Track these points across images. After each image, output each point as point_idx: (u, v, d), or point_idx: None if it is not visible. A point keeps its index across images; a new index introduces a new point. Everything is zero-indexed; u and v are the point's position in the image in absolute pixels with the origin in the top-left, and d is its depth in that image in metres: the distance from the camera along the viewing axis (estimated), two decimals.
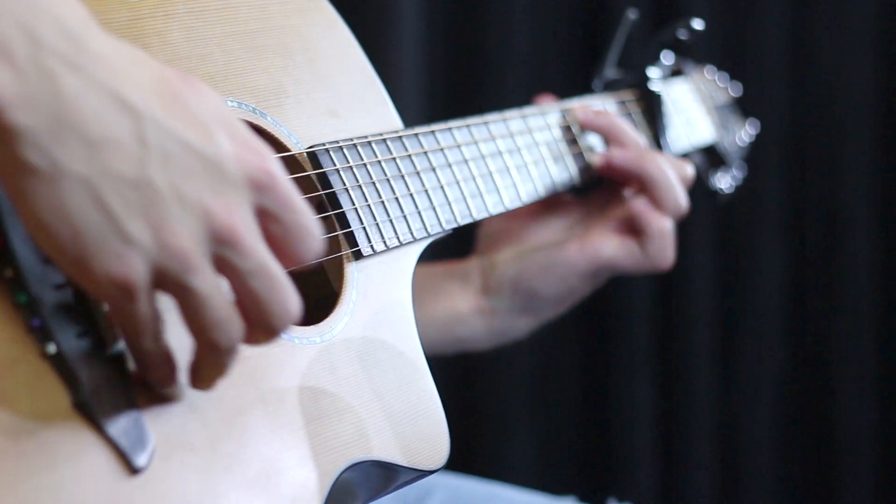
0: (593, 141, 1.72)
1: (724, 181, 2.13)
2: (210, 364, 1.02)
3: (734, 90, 2.19)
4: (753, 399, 3.30)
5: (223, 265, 0.97)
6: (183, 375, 1.06)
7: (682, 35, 1.87)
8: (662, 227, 1.66)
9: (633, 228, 1.67)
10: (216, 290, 0.97)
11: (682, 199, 1.68)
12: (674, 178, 1.67)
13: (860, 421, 3.35)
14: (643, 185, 1.67)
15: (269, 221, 1.00)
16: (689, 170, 1.74)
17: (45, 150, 0.90)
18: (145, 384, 1.05)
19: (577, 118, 1.70)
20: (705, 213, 3.17)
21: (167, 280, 0.95)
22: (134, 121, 0.94)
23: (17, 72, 0.90)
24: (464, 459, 2.34)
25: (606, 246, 1.67)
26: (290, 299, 1.00)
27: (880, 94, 3.28)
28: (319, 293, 1.32)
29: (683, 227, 3.13)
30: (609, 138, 1.70)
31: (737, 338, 3.29)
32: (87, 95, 0.92)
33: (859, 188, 3.30)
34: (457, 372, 2.92)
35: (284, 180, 1.00)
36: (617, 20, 1.85)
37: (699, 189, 2.08)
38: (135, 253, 0.93)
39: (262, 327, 1.01)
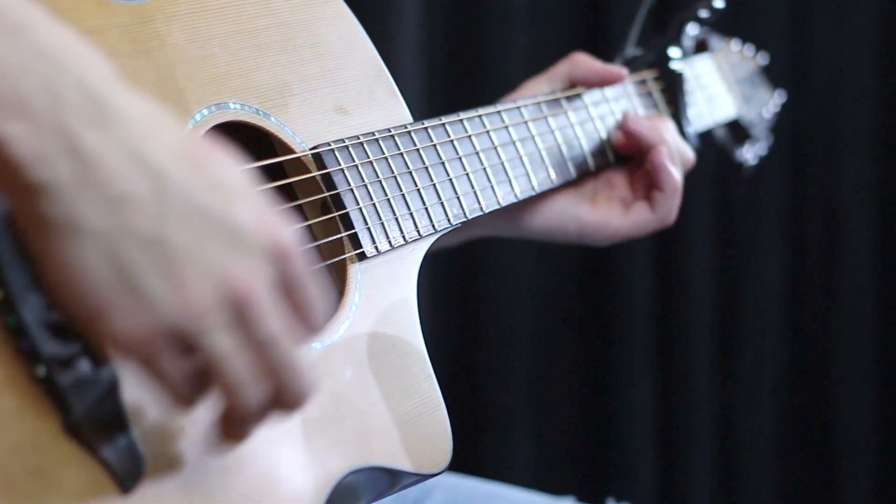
0: (609, 121, 1.70)
1: (750, 154, 2.11)
2: (234, 424, 1.01)
3: (762, 59, 2.17)
4: (753, 399, 3.30)
5: (240, 332, 0.96)
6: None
7: (704, 14, 1.84)
8: (677, 186, 1.67)
9: (643, 189, 1.68)
10: (234, 352, 0.96)
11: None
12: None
13: (859, 421, 3.35)
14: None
15: (281, 294, 0.99)
16: (692, 158, 1.72)
17: (65, 206, 0.92)
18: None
19: (626, 124, 1.68)
20: (706, 213, 3.15)
21: (187, 340, 0.95)
22: (154, 180, 0.94)
23: (36, 128, 0.91)
24: (463, 459, 2.34)
25: (615, 216, 1.68)
26: (305, 373, 0.99)
27: (880, 93, 3.25)
28: (322, 295, 1.31)
29: (684, 227, 3.13)
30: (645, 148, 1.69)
31: (736, 338, 3.29)
32: (107, 153, 0.93)
33: (859, 188, 3.28)
34: (456, 372, 2.93)
35: (299, 255, 0.99)
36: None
37: (700, 164, 2.07)
38: (152, 311, 0.93)
39: (277, 398, 1.00)
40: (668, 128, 1.70)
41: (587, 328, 3.11)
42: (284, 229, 0.99)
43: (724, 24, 3.07)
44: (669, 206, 1.67)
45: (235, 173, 0.99)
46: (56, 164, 0.91)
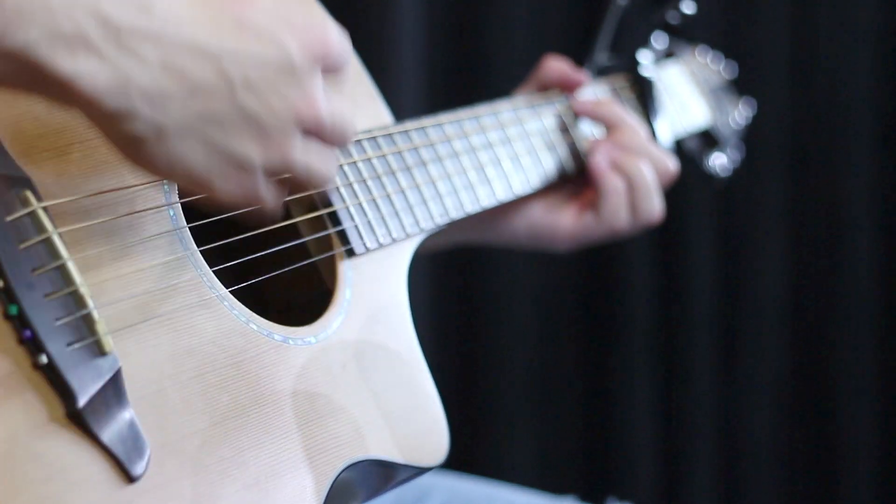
0: (586, 129, 1.72)
1: (721, 164, 2.12)
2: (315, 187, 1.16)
3: (728, 72, 2.19)
4: (754, 398, 3.31)
5: (310, 132, 1.10)
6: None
7: (673, 18, 1.86)
8: (615, 187, 1.67)
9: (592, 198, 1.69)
10: (314, 158, 1.11)
11: (642, 168, 1.68)
12: (638, 143, 1.69)
13: (861, 420, 3.35)
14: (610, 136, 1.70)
15: (327, 71, 1.12)
16: (671, 165, 1.73)
17: (148, 120, 1.00)
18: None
19: (573, 108, 1.70)
20: (706, 213, 3.17)
21: (276, 170, 1.09)
22: (214, 62, 1.03)
23: (102, 59, 0.98)
24: (464, 459, 2.34)
25: (564, 218, 1.70)
26: (350, 120, 1.14)
27: (881, 93, 3.28)
28: (313, 292, 1.32)
29: (685, 227, 3.14)
30: (608, 126, 1.70)
31: (738, 337, 3.29)
32: (169, 59, 1.01)
33: (860, 188, 3.30)
34: (458, 371, 2.93)
35: (338, 43, 1.12)
36: (622, 23, 1.85)
37: (698, 179, 2.08)
38: (252, 169, 1.06)
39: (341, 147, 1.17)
40: (622, 131, 1.70)
41: (588, 328, 3.11)
42: (323, 30, 1.11)
43: (724, 25, 3.10)
44: (611, 211, 1.67)
45: (269, 9, 1.08)
46: (129, 86, 0.99)
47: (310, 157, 1.12)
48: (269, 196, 1.11)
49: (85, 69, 0.97)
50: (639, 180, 1.67)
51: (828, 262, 3.32)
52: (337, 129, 1.13)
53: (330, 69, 1.13)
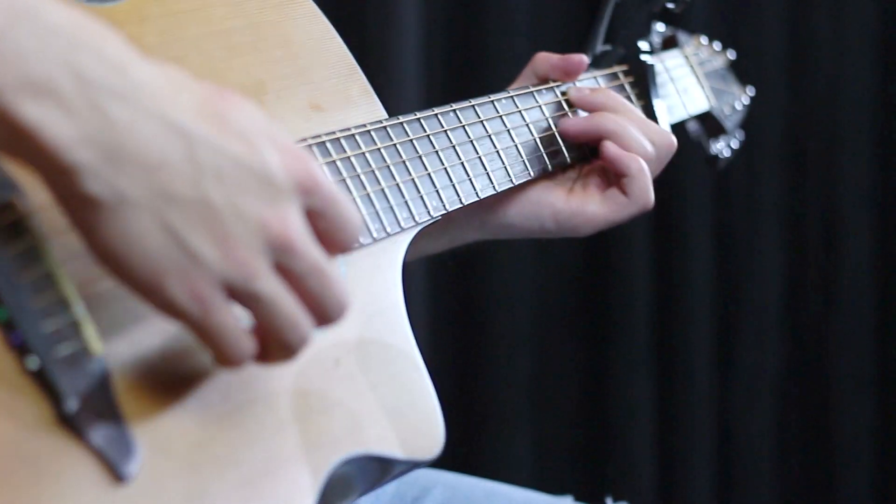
0: (583, 114, 1.71)
1: (722, 148, 2.13)
2: (280, 355, 1.08)
3: (730, 55, 2.18)
4: (751, 398, 3.32)
5: (282, 269, 1.02)
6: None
7: (671, 5, 1.86)
8: (640, 166, 1.66)
9: (613, 176, 1.67)
10: (283, 293, 1.02)
11: (646, 144, 1.67)
12: (633, 128, 1.68)
13: (858, 420, 3.37)
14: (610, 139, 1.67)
15: (316, 219, 1.05)
16: (671, 140, 1.73)
17: (107, 182, 0.94)
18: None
19: (570, 97, 1.69)
20: (705, 213, 3.17)
21: (236, 291, 1.00)
22: (185, 143, 0.97)
23: (68, 111, 0.93)
24: (462, 458, 2.35)
25: (591, 202, 1.68)
26: (343, 291, 1.07)
27: (879, 94, 3.28)
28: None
29: (683, 226, 3.15)
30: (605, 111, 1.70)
31: (735, 337, 3.30)
32: (138, 124, 0.95)
33: (858, 188, 3.31)
34: (455, 371, 2.93)
35: (326, 180, 1.05)
36: (616, 19, 1.84)
37: (699, 163, 2.07)
38: (205, 270, 0.98)
39: (322, 319, 1.07)
40: (618, 113, 1.70)
41: (586, 327, 3.12)
42: (308, 161, 1.04)
43: (723, 25, 3.10)
44: (641, 188, 1.66)
45: (255, 116, 1.03)
46: (92, 142, 0.93)
47: (279, 294, 1.02)
48: (224, 323, 1.01)
49: (49, 118, 0.92)
50: (616, 129, 1.67)
51: (826, 262, 3.33)
52: (319, 281, 1.04)
53: (315, 210, 1.04)
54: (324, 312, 1.06)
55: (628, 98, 1.80)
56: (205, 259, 0.97)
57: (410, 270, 1.40)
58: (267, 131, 1.03)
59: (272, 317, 1.03)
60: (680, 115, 1.94)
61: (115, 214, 0.95)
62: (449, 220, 1.54)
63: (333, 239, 1.07)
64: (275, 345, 1.06)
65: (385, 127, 1.42)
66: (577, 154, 1.69)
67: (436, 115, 1.50)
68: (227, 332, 1.02)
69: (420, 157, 1.45)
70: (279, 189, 1.01)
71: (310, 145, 1.32)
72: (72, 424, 1.00)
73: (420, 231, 1.42)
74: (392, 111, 1.47)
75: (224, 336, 1.02)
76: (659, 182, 1.71)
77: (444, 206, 1.45)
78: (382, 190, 1.38)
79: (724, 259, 3.26)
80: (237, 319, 1.03)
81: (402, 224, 1.38)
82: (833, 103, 3.27)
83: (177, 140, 0.97)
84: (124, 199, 0.95)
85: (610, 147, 1.66)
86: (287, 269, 1.02)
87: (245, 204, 0.99)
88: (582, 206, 1.68)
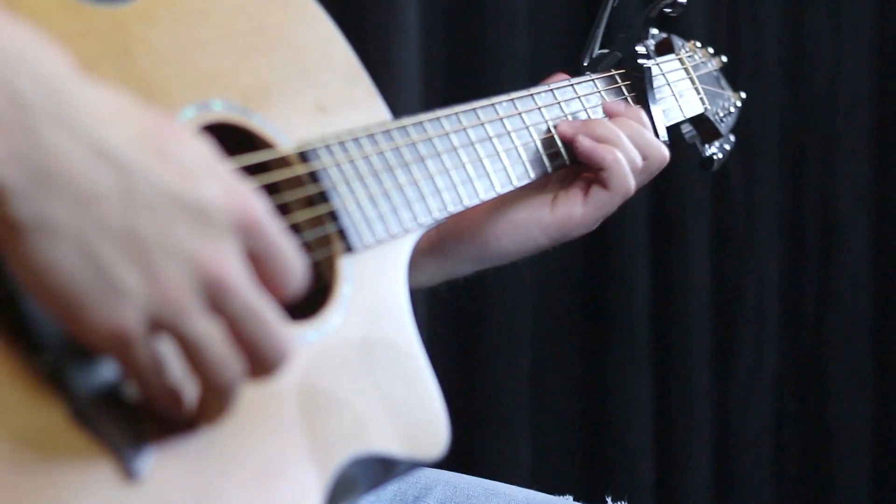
0: (581, 117, 1.73)
1: (716, 150, 2.14)
2: (214, 401, 1.05)
3: (723, 58, 2.20)
4: (750, 398, 3.32)
5: (216, 309, 0.98)
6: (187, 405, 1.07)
7: (668, 10, 1.88)
8: (616, 157, 1.68)
9: (591, 174, 1.70)
10: (212, 333, 0.98)
11: (624, 139, 1.70)
12: (623, 135, 1.70)
13: (857, 420, 3.38)
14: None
15: (257, 262, 1.01)
16: (664, 154, 1.76)
17: (32, 206, 0.90)
18: (150, 414, 1.06)
19: (559, 132, 1.70)
20: (703, 214, 3.18)
21: (164, 327, 0.96)
22: (119, 173, 0.94)
23: (0, 129, 0.90)
24: (462, 457, 2.36)
25: (576, 207, 1.70)
26: (282, 340, 1.02)
27: (877, 95, 3.29)
28: (311, 286, 1.33)
29: (682, 227, 3.15)
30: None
31: (734, 337, 3.31)
32: (71, 150, 0.92)
33: (856, 189, 3.32)
34: (455, 370, 2.94)
35: (269, 222, 1.01)
36: (616, 19, 1.86)
37: (693, 168, 2.09)
38: (128, 303, 0.94)
39: (258, 366, 1.04)
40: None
41: (585, 327, 3.13)
42: (251, 199, 1.00)
43: (721, 26, 3.11)
44: (620, 178, 1.68)
45: (198, 150, 0.99)
46: (20, 163, 0.90)
47: (208, 333, 0.98)
48: (145, 357, 0.97)
49: None
50: (621, 141, 1.70)
51: (824, 263, 3.34)
52: (255, 325, 0.99)
53: (256, 253, 1.00)
54: (260, 358, 1.02)
55: (625, 101, 1.82)
56: (129, 292, 0.94)
57: (410, 270, 1.42)
58: (210, 166, 0.99)
59: (198, 356, 0.99)
60: (676, 117, 1.96)
61: (37, 240, 0.91)
62: (444, 255, 1.56)
63: (273, 284, 1.02)
64: (203, 385, 1.02)
65: (389, 130, 1.43)
66: (574, 157, 1.71)
67: (438, 118, 1.51)
68: (148, 368, 0.99)
69: (423, 158, 1.46)
70: (215, 225, 0.97)
71: (315, 147, 1.34)
72: (85, 422, 1.01)
73: (415, 263, 1.44)
74: (392, 112, 1.48)
75: (145, 372, 0.99)
76: (659, 182, 1.72)
77: (445, 208, 1.47)
78: (386, 192, 1.39)
79: (722, 259, 3.27)
80: (160, 357, 0.99)
81: (406, 226, 1.40)
82: (831, 104, 3.28)
83: (109, 169, 0.93)
84: (48, 225, 0.91)
85: (583, 141, 1.68)
86: (222, 309, 0.98)
87: (177, 238, 0.95)
88: (568, 213, 1.70)
